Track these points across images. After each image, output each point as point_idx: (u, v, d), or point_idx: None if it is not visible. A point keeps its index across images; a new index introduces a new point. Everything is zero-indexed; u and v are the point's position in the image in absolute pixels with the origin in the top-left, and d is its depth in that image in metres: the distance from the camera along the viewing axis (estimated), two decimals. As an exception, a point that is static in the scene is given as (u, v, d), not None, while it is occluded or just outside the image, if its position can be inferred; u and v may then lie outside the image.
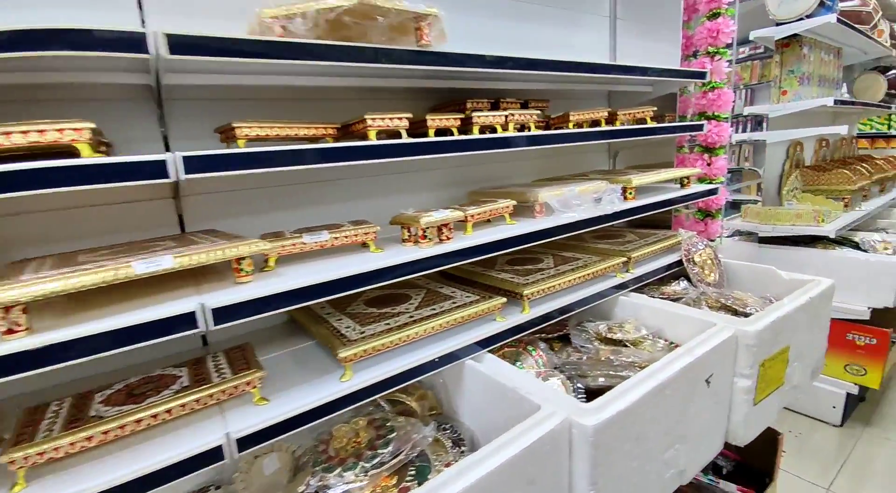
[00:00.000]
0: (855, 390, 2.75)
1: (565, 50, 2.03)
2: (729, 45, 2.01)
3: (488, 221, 1.44)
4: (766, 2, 2.75)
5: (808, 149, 3.62)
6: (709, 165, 2.00)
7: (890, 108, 3.90)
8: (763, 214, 2.90)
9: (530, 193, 1.39)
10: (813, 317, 1.53)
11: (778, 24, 2.69)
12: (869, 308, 2.58)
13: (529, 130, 1.41)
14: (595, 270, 1.52)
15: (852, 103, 2.90)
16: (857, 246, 2.85)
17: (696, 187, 1.86)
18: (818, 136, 3.29)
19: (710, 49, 1.92)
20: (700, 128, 1.81)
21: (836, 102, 2.51)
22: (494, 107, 1.55)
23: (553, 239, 1.39)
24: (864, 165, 3.46)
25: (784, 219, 2.83)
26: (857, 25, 2.87)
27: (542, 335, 1.49)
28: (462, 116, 1.27)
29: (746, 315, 1.51)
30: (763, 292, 1.75)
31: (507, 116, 1.34)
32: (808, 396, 2.89)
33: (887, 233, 3.21)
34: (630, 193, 1.62)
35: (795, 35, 2.78)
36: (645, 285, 1.76)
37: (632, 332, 1.41)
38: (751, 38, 2.77)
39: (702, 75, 1.83)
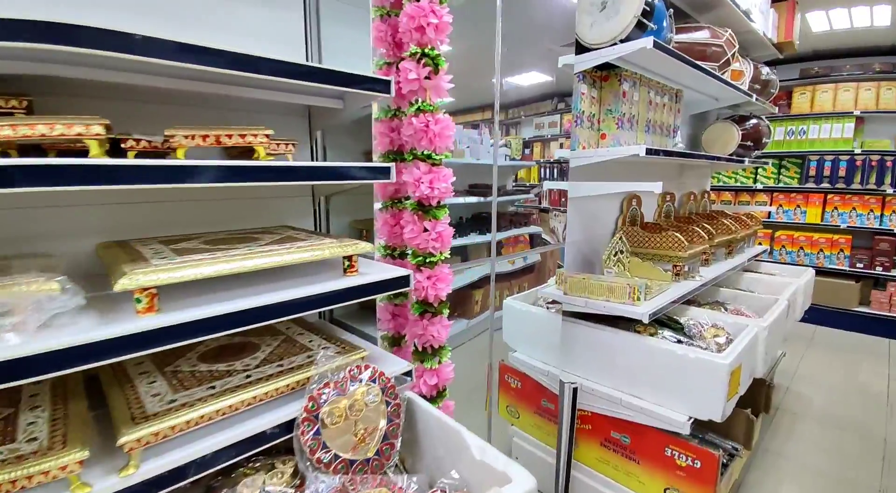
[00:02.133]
0: (680, 521, 2.12)
1: (220, 31, 1.24)
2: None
3: None
4: (578, 22, 2.17)
5: (650, 204, 3.14)
6: (425, 231, 1.25)
7: (742, 161, 3.55)
8: (573, 284, 2.26)
9: None
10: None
11: (580, 51, 2.10)
12: (690, 419, 1.96)
13: None
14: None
15: (681, 155, 2.38)
16: (681, 329, 2.27)
17: (367, 275, 1.10)
18: (635, 191, 2.78)
19: (414, 49, 1.20)
20: (365, 174, 1.05)
21: (648, 151, 1.93)
22: None
23: None
24: (707, 224, 3.00)
25: (597, 292, 2.20)
26: (701, 62, 2.38)
27: None
28: None
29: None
30: (450, 470, 0.99)
31: None
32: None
33: (725, 310, 2.71)
34: (140, 302, 0.81)
35: (613, 67, 2.22)
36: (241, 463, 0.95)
37: None
38: (559, 65, 2.17)
39: (383, 85, 1.11)
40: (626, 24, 2.04)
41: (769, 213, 5.77)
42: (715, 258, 3.16)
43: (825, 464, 2.82)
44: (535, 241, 5.21)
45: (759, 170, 5.85)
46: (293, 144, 1.12)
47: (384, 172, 1.10)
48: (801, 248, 5.45)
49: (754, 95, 3.18)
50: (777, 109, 5.77)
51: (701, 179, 3.86)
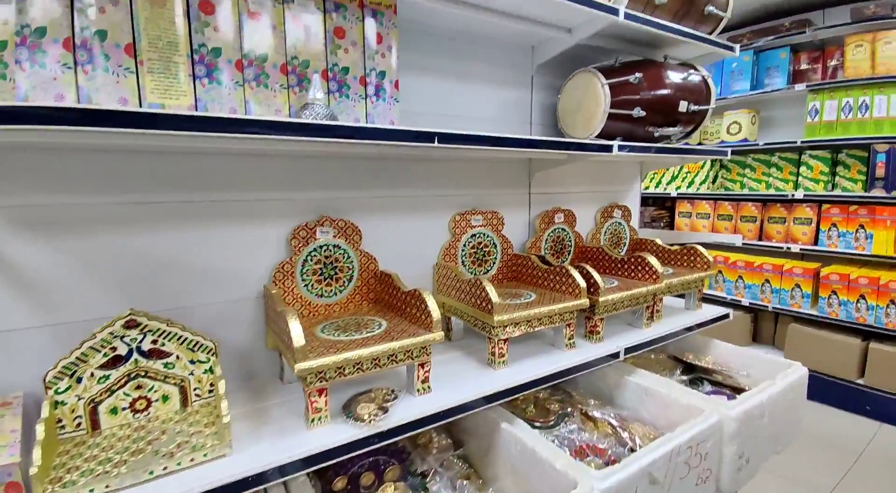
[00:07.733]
0: None
1: None
2: None
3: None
4: None
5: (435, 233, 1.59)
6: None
7: (608, 149, 1.88)
8: None
9: None
10: None
11: None
12: None
13: None
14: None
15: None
16: None
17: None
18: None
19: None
20: None
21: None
22: None
23: None
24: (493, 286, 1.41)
25: None
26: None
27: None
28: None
29: None
30: None
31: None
32: None
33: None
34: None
35: None
36: None
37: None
38: None
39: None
40: None
41: (816, 237, 3.73)
42: (579, 338, 1.55)
43: None
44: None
45: (802, 168, 3.80)
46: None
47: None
48: (863, 296, 3.35)
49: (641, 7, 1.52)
50: (818, 71, 3.68)
51: (595, 185, 2.16)
